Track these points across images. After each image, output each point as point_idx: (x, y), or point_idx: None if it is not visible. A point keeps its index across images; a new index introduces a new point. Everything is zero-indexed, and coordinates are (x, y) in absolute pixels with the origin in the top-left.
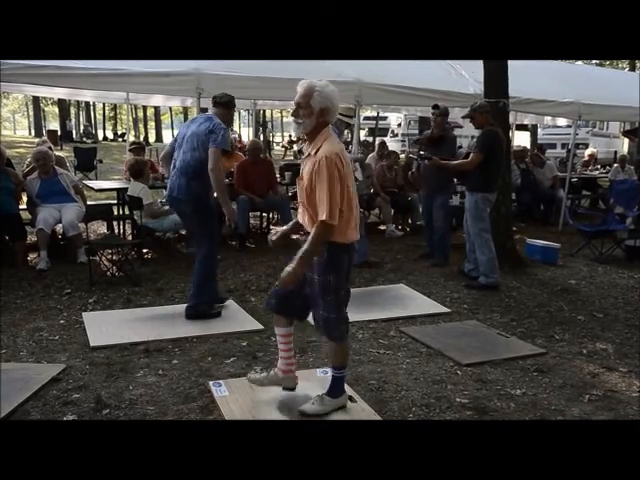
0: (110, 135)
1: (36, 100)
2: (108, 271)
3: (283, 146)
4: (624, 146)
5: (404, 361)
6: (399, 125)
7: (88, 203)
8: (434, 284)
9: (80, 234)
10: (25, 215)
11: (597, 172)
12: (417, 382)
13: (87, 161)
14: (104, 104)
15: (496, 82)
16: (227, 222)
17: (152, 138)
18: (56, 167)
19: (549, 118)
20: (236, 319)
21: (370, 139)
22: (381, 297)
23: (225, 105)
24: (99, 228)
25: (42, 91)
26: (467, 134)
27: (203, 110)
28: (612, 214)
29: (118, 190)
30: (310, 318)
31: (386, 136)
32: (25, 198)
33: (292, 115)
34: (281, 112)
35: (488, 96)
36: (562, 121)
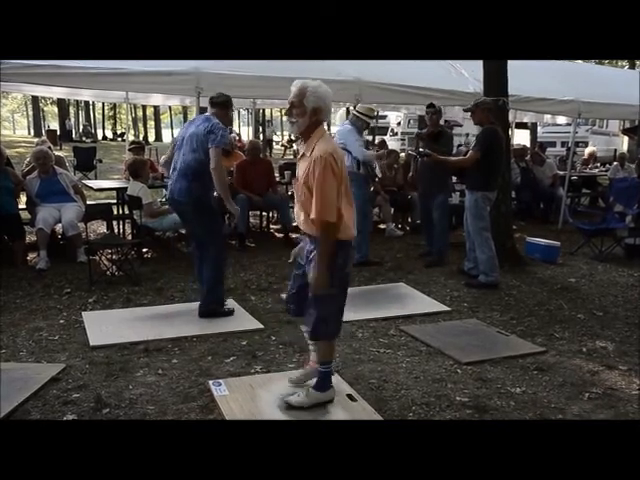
0: (109, 134)
1: (35, 100)
2: (108, 271)
3: (282, 145)
4: (624, 144)
5: (404, 360)
6: (399, 124)
7: (88, 203)
8: (434, 283)
9: (80, 234)
10: (24, 215)
11: (597, 170)
12: (417, 381)
13: (86, 161)
14: (103, 103)
15: (496, 81)
16: (229, 220)
17: (152, 137)
18: (55, 167)
19: (549, 116)
20: (236, 318)
21: (370, 138)
22: (381, 296)
23: (222, 105)
24: (99, 228)
25: (41, 91)
26: (467, 132)
27: (202, 109)
28: (612, 212)
29: (118, 190)
30: None
31: (386, 135)
32: (24, 198)
33: (286, 114)
34: (280, 111)
35: (488, 95)
36: (562, 119)
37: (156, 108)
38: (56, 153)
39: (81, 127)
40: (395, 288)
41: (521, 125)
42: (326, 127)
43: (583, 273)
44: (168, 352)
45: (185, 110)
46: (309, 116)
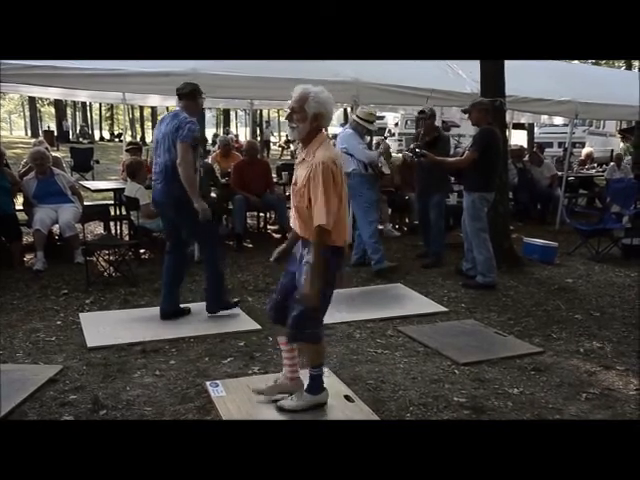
0: (107, 135)
1: (32, 101)
2: (105, 272)
3: (280, 146)
4: (620, 145)
5: (402, 360)
6: (396, 124)
7: (85, 203)
8: (431, 283)
9: (77, 235)
10: (21, 216)
11: (594, 171)
12: (415, 381)
13: (84, 161)
14: (100, 104)
15: (493, 82)
16: (226, 221)
17: (149, 138)
18: (53, 167)
19: (546, 117)
20: (233, 319)
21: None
22: (379, 296)
23: (188, 96)
24: (96, 229)
25: (38, 91)
26: (464, 133)
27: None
28: (609, 213)
29: (115, 190)
30: None
31: (383, 135)
32: (22, 199)
33: (286, 119)
34: (278, 112)
35: (485, 95)
36: (559, 120)
37: (153, 109)
38: (53, 154)
39: (78, 128)
40: (393, 289)
41: (518, 126)
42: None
43: (580, 273)
44: (165, 353)
45: None
46: (310, 122)
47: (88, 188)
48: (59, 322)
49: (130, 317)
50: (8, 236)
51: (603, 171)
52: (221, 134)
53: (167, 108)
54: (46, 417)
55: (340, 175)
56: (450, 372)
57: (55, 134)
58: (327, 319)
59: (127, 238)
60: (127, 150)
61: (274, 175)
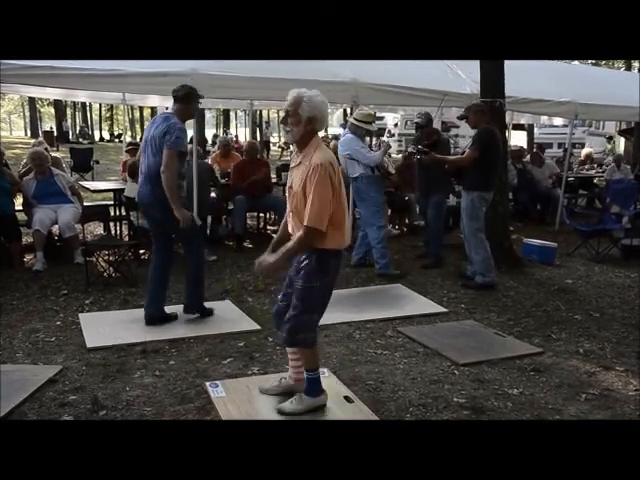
0: (106, 136)
1: (32, 101)
2: (105, 272)
3: (280, 146)
4: (620, 145)
5: (401, 361)
6: (396, 125)
7: (85, 204)
8: (431, 284)
9: (76, 235)
10: (21, 216)
11: (593, 171)
12: (414, 382)
13: (83, 162)
14: (100, 105)
15: (492, 82)
16: (225, 222)
17: None
18: (52, 168)
19: (545, 118)
20: (233, 319)
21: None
22: (378, 297)
23: (183, 99)
24: (96, 229)
25: (38, 92)
26: (464, 134)
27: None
28: (609, 213)
29: (115, 191)
30: None
31: (383, 136)
32: (21, 199)
33: (281, 122)
34: (278, 112)
35: (484, 96)
36: (559, 120)
37: (153, 109)
38: (53, 154)
39: (78, 128)
40: (392, 289)
41: (518, 126)
42: (323, 131)
43: (580, 274)
44: (165, 353)
45: None
46: (304, 125)
47: (88, 188)
48: (59, 322)
49: (130, 317)
50: (8, 236)
51: (603, 172)
52: (221, 134)
53: (167, 108)
54: (46, 417)
55: (338, 177)
56: (450, 373)
57: (55, 134)
58: (327, 319)
59: (127, 238)
60: (127, 150)
61: (273, 176)
